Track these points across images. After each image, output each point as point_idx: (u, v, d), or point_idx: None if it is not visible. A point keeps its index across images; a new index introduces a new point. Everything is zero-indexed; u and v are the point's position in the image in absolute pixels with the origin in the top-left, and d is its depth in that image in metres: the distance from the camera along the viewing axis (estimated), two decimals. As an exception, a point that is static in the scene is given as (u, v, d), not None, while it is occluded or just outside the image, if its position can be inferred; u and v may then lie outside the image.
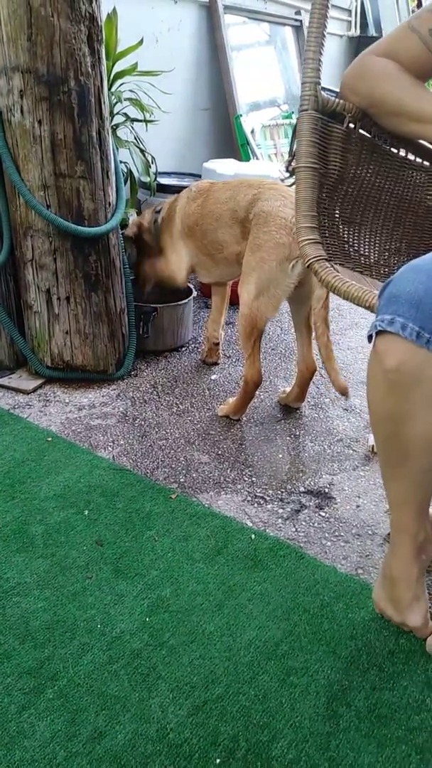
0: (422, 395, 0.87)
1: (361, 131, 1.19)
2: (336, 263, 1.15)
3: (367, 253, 1.24)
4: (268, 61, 3.68)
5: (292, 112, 3.51)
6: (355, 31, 4.73)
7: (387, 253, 1.27)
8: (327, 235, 1.18)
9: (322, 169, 1.15)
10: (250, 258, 1.65)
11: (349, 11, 4.67)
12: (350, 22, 4.71)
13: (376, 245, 1.26)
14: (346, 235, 1.22)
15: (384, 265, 1.26)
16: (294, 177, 1.15)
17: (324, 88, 1.13)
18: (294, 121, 3.42)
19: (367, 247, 1.25)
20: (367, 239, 1.25)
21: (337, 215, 1.20)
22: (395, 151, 1.23)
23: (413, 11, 3.76)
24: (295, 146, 1.13)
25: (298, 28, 3.90)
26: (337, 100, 1.14)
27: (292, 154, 1.15)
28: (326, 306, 1.61)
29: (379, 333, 0.88)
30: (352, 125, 1.16)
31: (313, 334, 1.69)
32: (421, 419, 0.90)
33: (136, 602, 1.15)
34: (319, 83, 1.11)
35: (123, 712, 0.95)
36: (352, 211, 1.23)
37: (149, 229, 2.04)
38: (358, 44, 4.68)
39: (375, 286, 1.12)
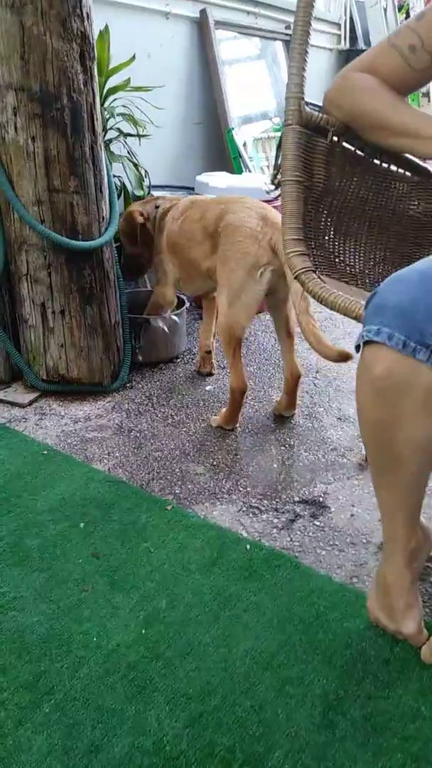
0: (410, 403, 0.89)
1: (344, 144, 1.20)
2: (323, 274, 1.16)
3: (352, 263, 1.25)
4: (259, 75, 3.73)
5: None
6: (344, 45, 4.78)
7: (372, 263, 1.28)
8: (313, 246, 1.19)
9: (307, 182, 1.16)
10: (221, 270, 1.70)
11: (339, 25, 4.72)
12: (339, 35, 4.76)
13: (362, 255, 1.27)
14: (332, 246, 1.23)
15: (369, 274, 1.27)
16: (280, 190, 1.16)
17: (309, 103, 1.14)
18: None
19: (352, 257, 1.26)
20: (352, 249, 1.26)
21: (322, 227, 1.22)
22: (378, 162, 1.25)
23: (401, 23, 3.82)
24: (280, 160, 1.16)
25: (288, 43, 3.95)
26: (320, 114, 1.15)
27: (278, 168, 1.17)
28: (305, 297, 1.58)
29: (366, 343, 0.90)
30: (335, 138, 1.17)
31: (300, 330, 1.67)
32: (411, 426, 0.91)
33: (132, 614, 1.15)
34: (303, 98, 1.12)
35: (119, 725, 0.96)
36: (338, 222, 1.24)
37: (147, 218, 2.05)
38: (347, 57, 4.72)
39: (361, 295, 1.13)
